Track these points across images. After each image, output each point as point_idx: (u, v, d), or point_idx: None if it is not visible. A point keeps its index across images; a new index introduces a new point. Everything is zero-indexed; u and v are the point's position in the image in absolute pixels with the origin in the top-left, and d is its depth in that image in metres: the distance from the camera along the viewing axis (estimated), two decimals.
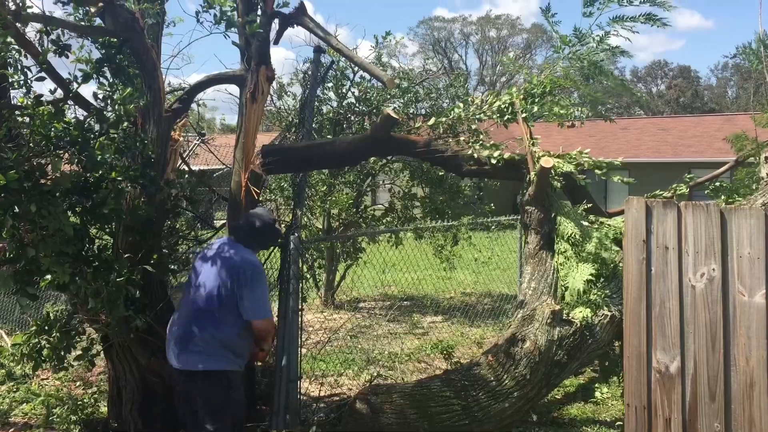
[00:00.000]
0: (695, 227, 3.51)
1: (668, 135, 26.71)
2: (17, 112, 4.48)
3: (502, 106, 5.90)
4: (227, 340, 3.94)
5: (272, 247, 5.97)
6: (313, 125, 7.92)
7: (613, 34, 4.98)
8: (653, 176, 15.35)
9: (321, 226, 9.89)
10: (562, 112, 5.48)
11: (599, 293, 4.84)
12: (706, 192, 6.20)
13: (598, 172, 5.45)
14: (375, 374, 6.25)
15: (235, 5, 5.09)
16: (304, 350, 5.36)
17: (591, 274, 4.73)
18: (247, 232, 4.15)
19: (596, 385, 6.13)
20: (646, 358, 3.53)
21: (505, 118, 5.84)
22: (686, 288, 3.50)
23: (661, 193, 6.00)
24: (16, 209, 3.70)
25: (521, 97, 5.83)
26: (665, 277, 3.54)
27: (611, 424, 5.40)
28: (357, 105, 9.66)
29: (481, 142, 5.77)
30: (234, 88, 5.97)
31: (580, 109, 5.82)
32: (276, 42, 5.49)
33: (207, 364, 3.91)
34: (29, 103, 4.24)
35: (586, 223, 5.16)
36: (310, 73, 7.31)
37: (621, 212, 5.63)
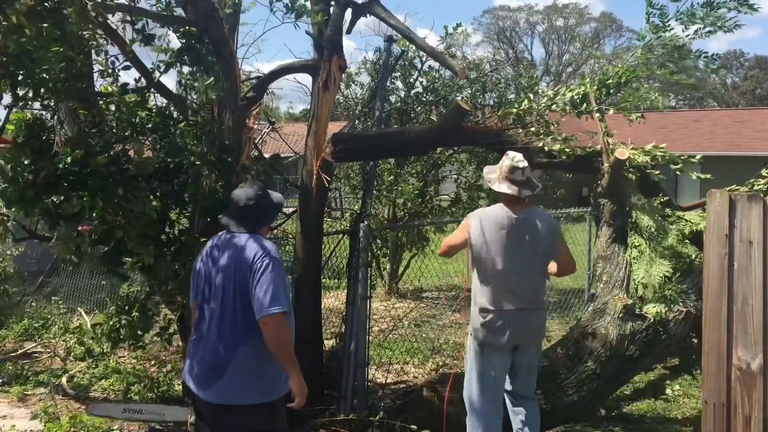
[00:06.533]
0: None
1: (744, 128, 25.69)
2: (102, 100, 4.68)
3: (575, 97, 5.79)
4: (267, 357, 3.19)
5: (341, 235, 6.07)
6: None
7: (701, 23, 4.79)
8: (727, 170, 14.84)
9: (386, 216, 9.95)
10: (649, 100, 5.34)
11: (674, 288, 4.72)
12: None
13: (673, 167, 5.30)
14: (441, 363, 6.26)
15: None
16: (369, 337, 5.42)
17: (667, 270, 4.61)
18: (245, 218, 3.37)
19: (667, 381, 6.00)
20: (726, 355, 3.44)
21: (579, 109, 5.73)
22: None
23: (738, 188, 5.79)
24: (104, 192, 3.86)
25: (595, 87, 5.71)
26: (748, 273, 3.43)
27: (682, 422, 5.29)
28: (424, 95, 9.65)
29: (552, 135, 5.68)
30: (301, 77, 6.06)
31: (662, 96, 5.65)
32: (348, 31, 5.55)
33: (250, 397, 3.20)
34: (115, 90, 4.41)
35: (660, 217, 5.03)
36: (381, 62, 7.34)
37: (695, 207, 5.47)
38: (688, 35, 4.92)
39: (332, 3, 5.27)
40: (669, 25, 4.90)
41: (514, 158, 4.14)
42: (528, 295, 4.09)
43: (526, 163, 4.14)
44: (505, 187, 4.11)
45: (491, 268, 4.08)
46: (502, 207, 4.16)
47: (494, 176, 4.21)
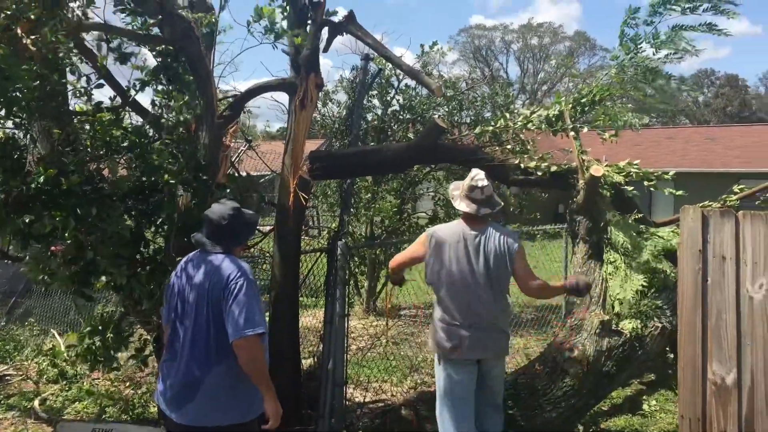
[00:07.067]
0: (754, 237, 3.44)
1: (715, 145, 26.15)
2: (77, 118, 4.63)
3: (551, 116, 5.86)
4: (241, 378, 3.17)
5: (319, 254, 6.04)
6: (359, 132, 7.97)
7: (670, 48, 4.90)
8: (700, 186, 15.07)
9: (364, 233, 9.93)
10: (623, 120, 5.43)
11: (650, 304, 4.76)
12: (756, 203, 6.04)
13: (647, 183, 5.38)
14: (419, 381, 6.24)
15: (284, 15, 5.16)
16: (347, 356, 5.39)
17: (642, 285, 4.66)
18: (220, 237, 3.33)
19: (644, 397, 6.04)
20: (701, 369, 3.47)
21: (554, 128, 5.79)
22: (744, 299, 3.43)
23: (710, 204, 5.87)
24: (78, 212, 3.82)
25: (570, 106, 5.79)
26: (722, 288, 3.47)
27: None
28: (401, 113, 9.70)
29: (528, 153, 5.74)
30: (278, 95, 6.06)
31: (636, 116, 5.74)
32: (325, 50, 5.55)
33: (223, 417, 3.17)
34: (89, 109, 4.38)
35: (635, 233, 5.09)
36: (358, 80, 7.38)
37: (669, 222, 5.54)
38: (659, 58, 5.02)
39: (309, 22, 5.28)
40: (641, 47, 5.00)
41: (474, 177, 4.20)
42: (482, 311, 4.07)
43: (485, 182, 4.18)
44: (464, 205, 4.18)
45: (446, 283, 4.11)
46: (460, 223, 4.22)
47: (457, 193, 4.27)
